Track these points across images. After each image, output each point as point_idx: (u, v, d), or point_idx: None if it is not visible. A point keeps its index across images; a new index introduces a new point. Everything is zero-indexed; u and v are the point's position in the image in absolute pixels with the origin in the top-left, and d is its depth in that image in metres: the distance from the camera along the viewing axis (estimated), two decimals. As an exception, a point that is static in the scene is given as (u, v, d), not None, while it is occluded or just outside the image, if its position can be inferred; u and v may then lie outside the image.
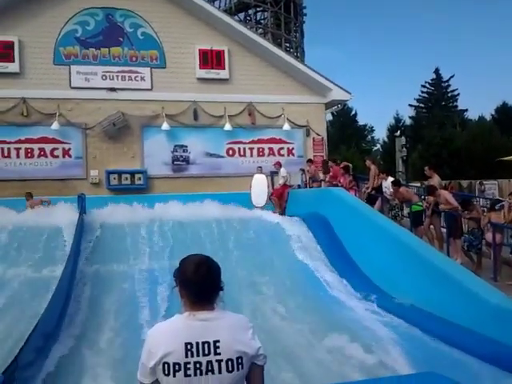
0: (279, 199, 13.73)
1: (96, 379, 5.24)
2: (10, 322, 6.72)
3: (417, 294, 7.23)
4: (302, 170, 15.23)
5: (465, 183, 24.41)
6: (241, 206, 12.47)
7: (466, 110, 46.17)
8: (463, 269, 7.41)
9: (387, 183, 11.89)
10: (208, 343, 2.04)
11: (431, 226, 10.53)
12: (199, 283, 2.09)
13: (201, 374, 2.02)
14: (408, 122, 45.11)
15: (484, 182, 21.86)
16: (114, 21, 15.53)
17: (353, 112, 48.87)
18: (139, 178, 15.39)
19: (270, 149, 16.67)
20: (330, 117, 38.34)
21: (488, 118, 42.29)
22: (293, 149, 16.89)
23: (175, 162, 15.95)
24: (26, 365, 4.81)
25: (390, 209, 11.60)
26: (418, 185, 17.28)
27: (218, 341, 2.05)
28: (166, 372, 2.02)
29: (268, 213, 12.47)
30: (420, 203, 10.98)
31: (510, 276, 8.69)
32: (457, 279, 6.72)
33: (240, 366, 2.05)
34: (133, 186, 15.21)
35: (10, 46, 14.54)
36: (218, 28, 16.17)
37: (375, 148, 49.79)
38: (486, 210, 10.61)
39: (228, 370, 2.03)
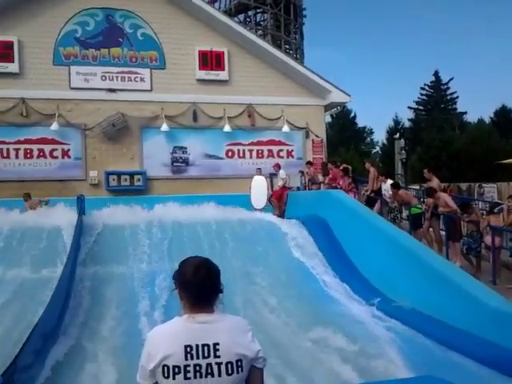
0: (278, 201, 13.72)
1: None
2: (10, 323, 6.69)
3: (416, 297, 7.22)
4: (302, 172, 15.23)
5: (464, 186, 24.37)
6: (240, 207, 12.45)
7: (466, 113, 46.39)
8: (462, 272, 7.42)
9: (386, 186, 11.90)
10: (208, 346, 2.03)
11: (430, 229, 10.53)
12: (198, 285, 2.09)
13: (200, 376, 2.01)
14: (407, 124, 45.32)
15: (483, 185, 21.84)
16: (114, 21, 15.53)
17: (352, 114, 49.11)
18: (138, 180, 15.38)
19: (270, 151, 16.67)
20: (329, 119, 38.53)
21: (487, 120, 42.47)
22: (292, 151, 16.90)
23: (174, 164, 15.94)
24: (25, 367, 4.79)
25: (389, 211, 11.60)
26: (417, 187, 17.28)
27: (218, 343, 2.04)
28: (166, 375, 2.01)
29: (267, 215, 12.45)
30: (419, 206, 10.97)
31: (509, 279, 8.70)
32: (456, 282, 6.72)
33: (240, 369, 2.05)
34: (132, 187, 15.21)
35: (9, 46, 14.53)
36: (218, 29, 16.19)
37: (374, 150, 49.92)
38: (485, 213, 10.63)
39: (228, 373, 2.03)
